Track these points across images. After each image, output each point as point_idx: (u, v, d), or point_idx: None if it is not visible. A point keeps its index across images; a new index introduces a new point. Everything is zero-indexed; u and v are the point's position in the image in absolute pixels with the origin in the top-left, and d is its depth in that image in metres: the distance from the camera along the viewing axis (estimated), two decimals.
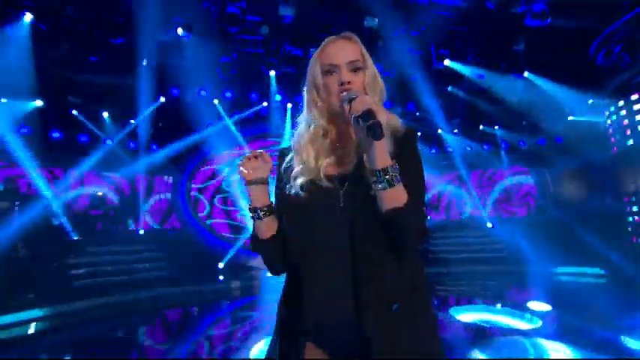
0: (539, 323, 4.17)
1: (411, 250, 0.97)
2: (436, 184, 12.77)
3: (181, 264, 8.04)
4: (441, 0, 7.27)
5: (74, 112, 8.06)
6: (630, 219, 6.96)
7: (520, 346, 3.47)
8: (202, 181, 9.79)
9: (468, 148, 12.17)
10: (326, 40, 1.06)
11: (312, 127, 1.05)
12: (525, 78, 8.55)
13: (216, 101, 8.99)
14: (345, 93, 0.95)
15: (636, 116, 6.60)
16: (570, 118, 9.49)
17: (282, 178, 1.09)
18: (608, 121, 7.31)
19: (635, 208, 6.88)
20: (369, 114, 0.83)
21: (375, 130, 0.81)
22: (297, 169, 1.02)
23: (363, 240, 0.92)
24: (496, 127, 11.18)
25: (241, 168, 1.03)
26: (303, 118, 1.10)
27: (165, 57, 7.40)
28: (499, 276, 7.79)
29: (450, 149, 12.32)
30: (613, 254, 6.51)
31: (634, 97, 6.61)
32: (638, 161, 7.18)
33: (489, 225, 11.39)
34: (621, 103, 6.87)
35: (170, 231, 9.31)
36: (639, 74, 7.09)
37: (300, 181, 1.00)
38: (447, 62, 8.46)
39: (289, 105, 9.49)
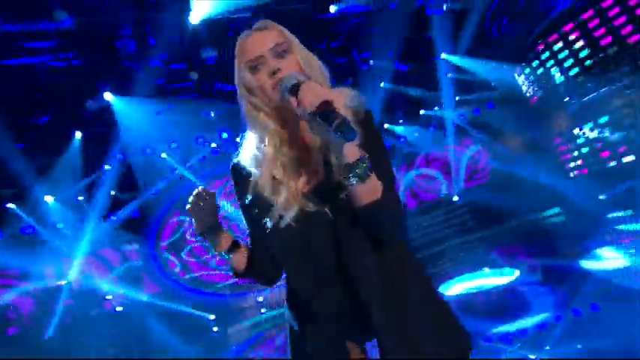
0: (517, 273, 4.48)
1: (392, 238, 0.89)
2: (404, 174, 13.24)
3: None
4: (349, 10, 7.82)
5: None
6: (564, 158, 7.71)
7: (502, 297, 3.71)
8: (169, 235, 9.49)
9: (416, 134, 12.84)
10: (239, 37, 0.97)
11: (266, 137, 0.93)
12: (444, 60, 9.35)
13: (164, 155, 8.88)
14: (281, 82, 0.84)
15: (537, 71, 7.45)
16: (492, 85, 10.44)
17: (244, 194, 1.00)
18: (521, 79, 8.13)
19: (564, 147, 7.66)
20: (326, 109, 0.69)
21: (346, 132, 0.67)
22: (279, 199, 0.89)
23: (351, 242, 0.85)
24: (435, 108, 11.93)
25: (190, 213, 0.99)
26: (248, 135, 1.01)
27: (99, 125, 7.28)
28: (476, 242, 8.19)
29: (402, 140, 12.94)
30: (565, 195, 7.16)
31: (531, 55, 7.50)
32: (551, 107, 8.09)
33: (455, 198, 11.95)
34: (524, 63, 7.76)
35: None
36: (529, 38, 8.03)
37: (290, 214, 0.87)
38: (372, 62, 9.03)
39: (238, 139, 9.61)
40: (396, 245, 0.90)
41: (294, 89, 0.78)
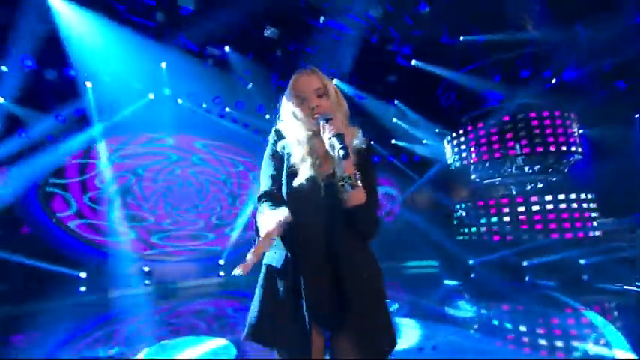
0: (397, 305, 5.22)
1: (370, 236, 1.22)
2: None
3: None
4: (334, 25, 8.21)
5: None
6: (455, 222, 9.21)
7: None
8: (70, 176, 8.18)
9: None
10: (295, 74, 1.34)
11: (298, 134, 1.28)
12: (395, 105, 10.40)
13: (89, 84, 7.78)
14: (318, 115, 1.22)
15: (460, 146, 8.87)
16: (424, 141, 11.95)
17: (279, 153, 1.31)
18: (447, 147, 9.54)
19: (457, 215, 9.19)
20: (339, 137, 1.12)
21: (344, 153, 1.09)
22: (301, 164, 1.23)
23: (336, 227, 1.17)
24: (371, 142, 13.00)
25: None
26: (287, 123, 1.34)
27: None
28: None
29: None
30: (446, 249, 8.56)
31: (460, 132, 8.90)
32: (462, 178, 9.66)
33: None
34: (454, 135, 9.15)
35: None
36: (463, 115, 9.55)
37: (304, 174, 1.21)
38: (335, 81, 9.52)
39: (179, 100, 9.04)
40: (368, 239, 1.23)
41: (328, 120, 1.18)
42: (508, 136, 7.92)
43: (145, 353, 3.61)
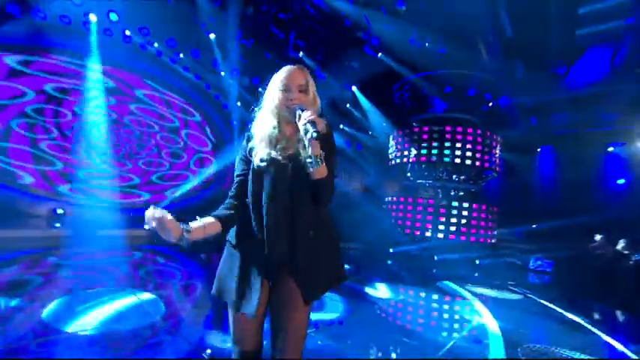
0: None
1: (327, 202, 1.49)
2: None
3: None
4: None
5: None
6: (385, 212, 10.03)
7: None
8: None
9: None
10: (285, 67, 1.53)
11: (268, 122, 1.51)
12: (352, 92, 10.67)
13: None
14: (295, 105, 1.45)
15: (404, 144, 9.60)
16: (370, 133, 12.55)
17: (248, 153, 1.51)
18: (391, 143, 10.22)
19: (386, 206, 10.03)
20: (313, 124, 1.35)
21: (316, 136, 1.33)
22: (262, 149, 1.47)
23: (301, 197, 1.44)
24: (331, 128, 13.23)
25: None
26: (261, 114, 1.55)
27: None
28: None
29: None
30: (372, 235, 9.35)
31: (407, 131, 9.60)
32: (398, 174, 10.49)
33: None
34: (400, 132, 9.83)
35: None
36: (411, 116, 10.27)
37: (263, 156, 1.46)
38: (301, 54, 9.37)
39: (93, 18, 7.77)
40: (323, 206, 1.51)
41: (302, 110, 1.41)
42: (446, 144, 8.81)
43: (53, 305, 3.31)
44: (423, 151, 9.07)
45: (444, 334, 3.83)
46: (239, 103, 11.60)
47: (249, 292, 1.42)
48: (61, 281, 4.26)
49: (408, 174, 9.97)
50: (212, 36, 8.61)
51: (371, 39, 8.87)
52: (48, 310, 3.10)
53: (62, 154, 7.98)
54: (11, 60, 7.32)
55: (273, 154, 1.45)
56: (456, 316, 4.60)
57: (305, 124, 1.36)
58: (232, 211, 1.47)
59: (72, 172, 8.11)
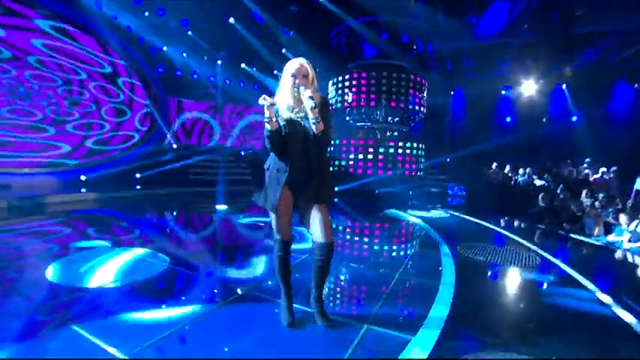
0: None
1: (328, 144, 2.25)
2: (193, 110, 13.15)
3: None
4: None
5: None
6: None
7: None
8: None
9: (227, 82, 13.25)
10: (295, 60, 2.22)
11: (287, 97, 2.19)
12: (290, 36, 10.51)
13: None
14: (301, 86, 2.11)
15: (344, 89, 10.13)
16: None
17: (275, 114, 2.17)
18: (331, 89, 10.65)
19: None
20: (311, 98, 2.02)
21: (314, 106, 2.02)
22: (285, 113, 2.19)
23: (309, 143, 2.15)
24: (254, 68, 12.84)
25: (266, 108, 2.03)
26: (281, 90, 2.22)
27: None
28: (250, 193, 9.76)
29: (211, 78, 12.90)
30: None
31: (347, 76, 10.09)
32: (337, 118, 11.14)
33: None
34: (340, 78, 10.28)
35: None
36: (349, 64, 10.71)
37: (286, 117, 2.19)
38: None
39: None
40: (325, 150, 2.26)
41: (304, 88, 2.09)
42: (383, 88, 9.59)
43: (54, 268, 3.23)
44: (362, 95, 9.76)
45: (406, 246, 4.86)
46: (165, 48, 10.55)
47: (275, 195, 2.19)
48: (37, 249, 4.02)
49: (347, 117, 10.69)
50: None
51: None
52: (52, 274, 3.04)
53: None
54: None
55: (292, 116, 2.18)
56: (409, 231, 5.74)
57: (307, 98, 2.03)
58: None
59: None
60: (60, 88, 8.36)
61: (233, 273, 3.39)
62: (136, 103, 10.64)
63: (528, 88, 12.32)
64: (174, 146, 12.35)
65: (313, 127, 2.05)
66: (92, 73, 9.01)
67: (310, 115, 2.03)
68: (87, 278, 3.00)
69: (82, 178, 8.24)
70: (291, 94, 2.16)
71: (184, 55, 11.24)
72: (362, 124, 10.65)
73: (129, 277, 3.05)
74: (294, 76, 2.15)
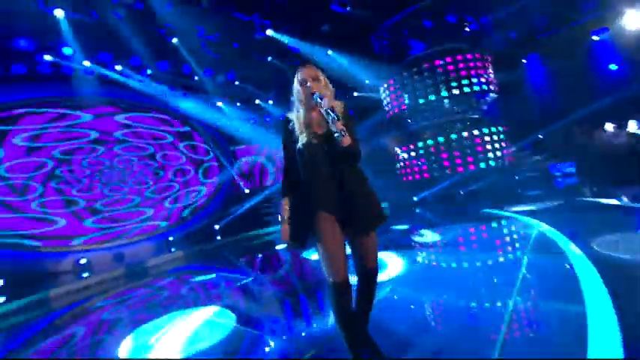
0: None
1: (357, 160, 1.87)
2: (252, 153, 13.63)
3: None
4: None
5: None
6: (397, 165, 9.95)
7: None
8: None
9: (282, 118, 13.50)
10: (300, 67, 1.95)
11: (301, 113, 1.92)
12: (329, 55, 10.27)
13: None
14: (315, 92, 1.83)
15: (397, 92, 9.37)
16: (355, 94, 12.27)
17: (290, 135, 1.90)
18: (383, 95, 9.97)
19: (406, 157, 9.91)
20: (332, 110, 1.73)
21: (336, 120, 1.71)
22: (302, 133, 1.87)
23: (336, 163, 1.82)
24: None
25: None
26: (295, 107, 1.96)
27: None
28: None
29: (267, 119, 13.32)
30: (392, 191, 9.29)
31: (396, 79, 9.36)
32: (398, 124, 10.33)
33: None
34: (390, 82, 9.57)
35: None
36: (396, 64, 9.97)
37: (304, 138, 1.86)
38: (269, 32, 8.93)
39: (87, 63, 7.56)
40: (356, 165, 1.90)
41: (321, 97, 1.79)
42: (439, 79, 8.60)
43: (130, 341, 3.23)
44: (418, 93, 8.87)
45: (518, 253, 3.81)
46: (220, 104, 11.24)
47: (309, 223, 1.84)
48: (117, 320, 4.15)
49: (409, 120, 9.81)
50: (175, 40, 8.15)
51: None
52: (124, 349, 2.99)
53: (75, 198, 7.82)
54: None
55: (311, 135, 1.85)
56: (516, 236, 4.59)
57: (326, 110, 1.74)
58: (294, 187, 1.92)
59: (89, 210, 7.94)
60: (143, 160, 9.36)
61: (301, 326, 2.89)
62: (202, 160, 11.42)
63: (634, 18, 9.69)
64: (247, 191, 12.84)
65: (339, 142, 1.74)
66: (163, 144, 9.97)
67: (333, 129, 1.74)
68: (152, 351, 2.83)
69: (170, 238, 8.85)
70: (304, 107, 1.90)
71: (238, 105, 11.83)
72: (426, 123, 9.64)
73: (194, 346, 2.80)
74: (302, 83, 1.89)
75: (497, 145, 8.74)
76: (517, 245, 4.16)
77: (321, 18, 9.00)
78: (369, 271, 1.91)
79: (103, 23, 6.88)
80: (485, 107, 9.75)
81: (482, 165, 8.57)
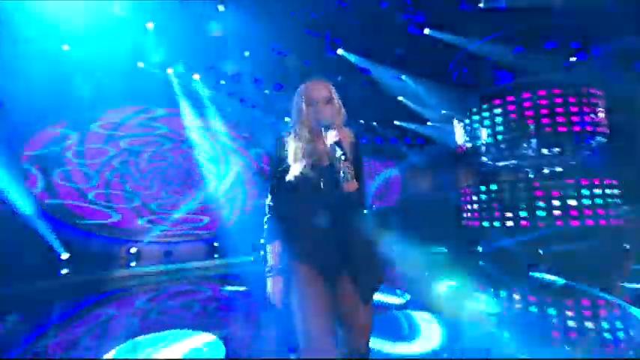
0: (409, 297, 4.72)
1: (362, 208, 1.60)
2: None
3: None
4: None
5: None
6: (467, 206, 8.67)
7: (395, 318, 3.83)
8: (39, 147, 7.46)
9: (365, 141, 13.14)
10: (308, 82, 1.62)
11: (302, 136, 1.59)
12: (402, 80, 9.66)
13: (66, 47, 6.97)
14: (323, 120, 1.54)
15: (473, 125, 8.26)
16: (429, 123, 11.32)
17: (283, 162, 1.58)
18: (458, 127, 8.91)
19: (469, 199, 8.62)
20: (338, 144, 1.47)
21: (344, 158, 1.45)
22: (298, 162, 1.55)
23: (335, 206, 1.51)
24: (374, 123, 12.36)
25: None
26: (293, 128, 1.63)
27: None
28: None
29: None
30: (452, 236, 8.10)
31: (474, 110, 8.27)
32: (470, 161, 9.10)
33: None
34: (467, 113, 8.49)
35: None
36: (473, 94, 8.85)
37: (295, 172, 1.53)
38: (340, 51, 8.74)
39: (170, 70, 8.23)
40: (360, 211, 1.59)
41: (327, 128, 1.53)
42: (528, 113, 7.30)
43: (115, 353, 3.05)
44: (500, 129, 7.65)
45: None
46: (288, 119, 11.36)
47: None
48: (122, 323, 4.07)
49: (484, 158, 8.53)
50: (246, 53, 8.43)
51: (414, 16, 7.90)
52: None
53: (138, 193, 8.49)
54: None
55: (308, 167, 1.54)
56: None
57: (332, 144, 1.48)
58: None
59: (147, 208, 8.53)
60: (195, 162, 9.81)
61: None
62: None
63: None
64: None
65: (343, 184, 1.44)
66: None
67: (339, 167, 1.45)
68: None
69: (215, 244, 8.97)
70: (307, 130, 1.57)
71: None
72: (505, 163, 8.27)
73: None
74: (310, 103, 1.56)
75: (599, 201, 6.99)
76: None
77: (397, 40, 8.49)
78: (352, 352, 1.49)
79: (187, 34, 7.42)
80: (588, 152, 8.00)
81: (574, 223, 6.90)
